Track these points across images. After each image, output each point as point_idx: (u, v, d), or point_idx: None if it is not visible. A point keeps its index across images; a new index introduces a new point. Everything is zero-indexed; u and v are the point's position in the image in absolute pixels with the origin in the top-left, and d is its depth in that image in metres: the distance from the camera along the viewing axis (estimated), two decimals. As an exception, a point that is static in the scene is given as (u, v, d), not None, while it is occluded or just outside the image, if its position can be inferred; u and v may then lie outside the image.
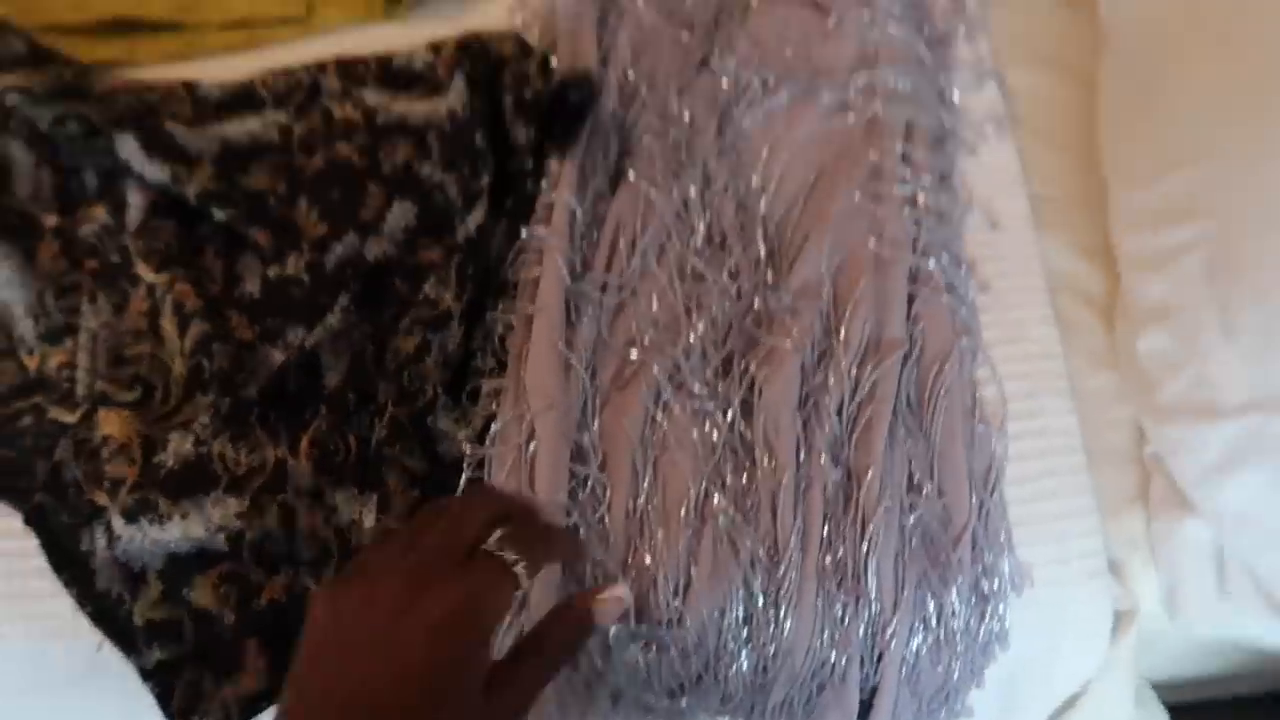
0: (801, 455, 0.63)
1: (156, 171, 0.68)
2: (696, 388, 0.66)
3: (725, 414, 0.65)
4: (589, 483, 0.62)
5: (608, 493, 0.62)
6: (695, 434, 0.65)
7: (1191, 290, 0.62)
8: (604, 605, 0.46)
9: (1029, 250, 0.74)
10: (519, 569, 0.41)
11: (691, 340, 0.67)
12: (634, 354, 0.67)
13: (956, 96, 0.79)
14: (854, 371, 0.65)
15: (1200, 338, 0.61)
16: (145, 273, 0.67)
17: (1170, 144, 0.66)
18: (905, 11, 0.78)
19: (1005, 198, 0.76)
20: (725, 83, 0.76)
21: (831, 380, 0.65)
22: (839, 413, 0.64)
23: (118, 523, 0.60)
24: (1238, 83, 0.61)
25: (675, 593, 0.60)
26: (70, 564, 0.61)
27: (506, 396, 0.64)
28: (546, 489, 0.60)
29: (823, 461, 0.63)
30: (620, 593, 0.47)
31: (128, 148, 0.68)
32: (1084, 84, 0.80)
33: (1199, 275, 0.62)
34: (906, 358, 0.66)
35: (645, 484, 0.63)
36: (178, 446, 0.62)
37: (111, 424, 0.62)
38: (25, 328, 0.67)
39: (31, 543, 0.62)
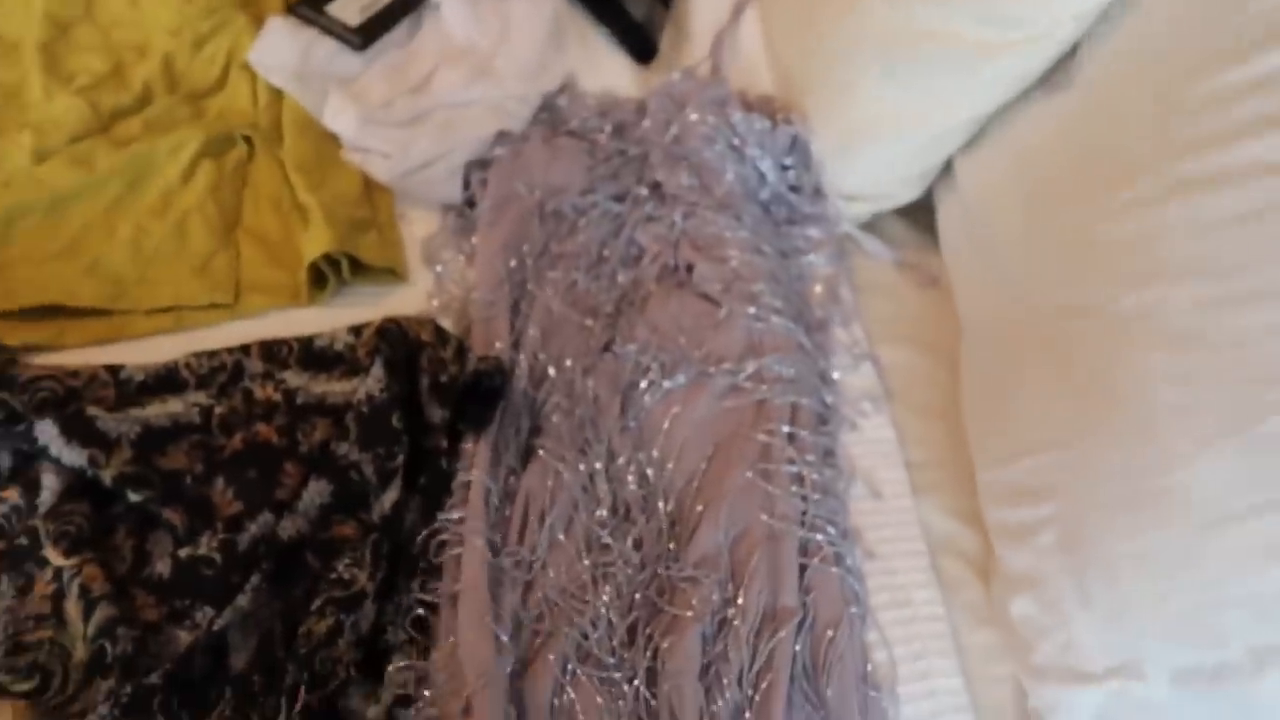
0: (705, 725, 0.65)
1: (74, 456, 0.70)
2: (604, 657, 0.68)
3: (631, 682, 0.67)
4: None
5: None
6: (602, 702, 0.66)
7: (1049, 563, 0.68)
8: None
9: (908, 516, 0.80)
10: None
11: (600, 610, 0.70)
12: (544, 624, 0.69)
13: (836, 377, 0.87)
14: (752, 640, 0.68)
15: (1062, 606, 0.67)
16: (54, 556, 0.67)
17: (1020, 433, 0.74)
18: (786, 303, 0.88)
19: (885, 468, 0.83)
20: (627, 366, 0.83)
21: (731, 649, 0.68)
22: (739, 681, 0.67)
23: (-1, 827, 0.57)
24: (1071, 389, 0.70)
25: None
26: None
27: (432, 675, 0.65)
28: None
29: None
30: None
31: (47, 433, 0.70)
32: (950, 360, 0.89)
33: (1054, 550, 0.68)
34: (800, 626, 0.70)
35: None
36: (71, 739, 0.61)
37: (6, 715, 0.61)
38: (-80, 614, 0.66)
39: None
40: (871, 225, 1.01)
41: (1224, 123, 0.66)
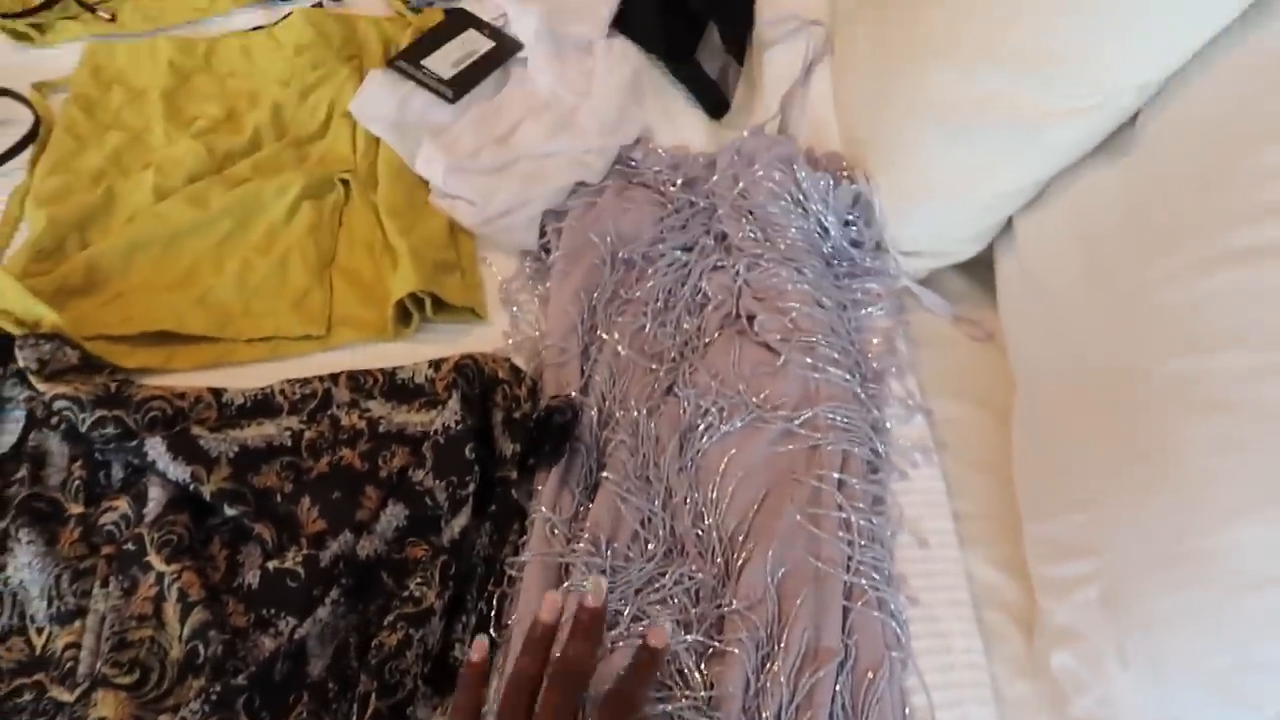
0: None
1: (179, 471, 0.77)
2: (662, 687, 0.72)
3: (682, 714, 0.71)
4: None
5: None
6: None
7: (1090, 619, 0.70)
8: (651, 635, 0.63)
9: (954, 566, 0.83)
10: None
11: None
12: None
13: (889, 427, 0.90)
14: (793, 678, 0.71)
15: (1102, 663, 0.69)
16: (156, 562, 0.74)
17: (1068, 488, 0.76)
18: (843, 354, 0.91)
19: (932, 518, 0.85)
20: (688, 409, 0.87)
21: (771, 685, 0.71)
22: (778, 716, 0.70)
23: (101, 804, 0.63)
24: (1120, 449, 0.72)
25: None
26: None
27: (493, 695, 0.70)
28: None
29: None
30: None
31: (155, 450, 0.77)
32: (1002, 415, 0.91)
33: (1095, 606, 0.70)
34: (841, 666, 0.73)
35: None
36: (165, 730, 0.67)
37: (108, 705, 0.67)
38: (38, 608, 0.73)
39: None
40: (930, 280, 1.04)
41: (1269, 197, 0.68)
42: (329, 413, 0.86)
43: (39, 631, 0.72)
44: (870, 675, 0.72)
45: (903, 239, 1.01)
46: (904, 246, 1.02)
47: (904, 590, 0.80)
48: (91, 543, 0.76)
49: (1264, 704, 0.62)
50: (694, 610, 0.77)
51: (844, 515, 0.80)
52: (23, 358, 0.81)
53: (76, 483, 0.79)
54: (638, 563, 0.79)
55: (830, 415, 0.86)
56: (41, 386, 0.79)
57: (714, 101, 1.17)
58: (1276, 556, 0.62)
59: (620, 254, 1.00)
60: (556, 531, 0.79)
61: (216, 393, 0.85)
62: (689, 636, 0.74)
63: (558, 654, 0.63)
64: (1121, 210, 0.83)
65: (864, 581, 0.77)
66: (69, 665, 0.70)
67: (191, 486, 0.77)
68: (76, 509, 0.78)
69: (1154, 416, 0.71)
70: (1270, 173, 0.69)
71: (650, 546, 0.80)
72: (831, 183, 1.01)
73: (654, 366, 0.92)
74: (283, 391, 0.87)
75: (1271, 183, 0.68)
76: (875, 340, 0.97)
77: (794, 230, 0.99)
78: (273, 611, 0.73)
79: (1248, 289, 0.68)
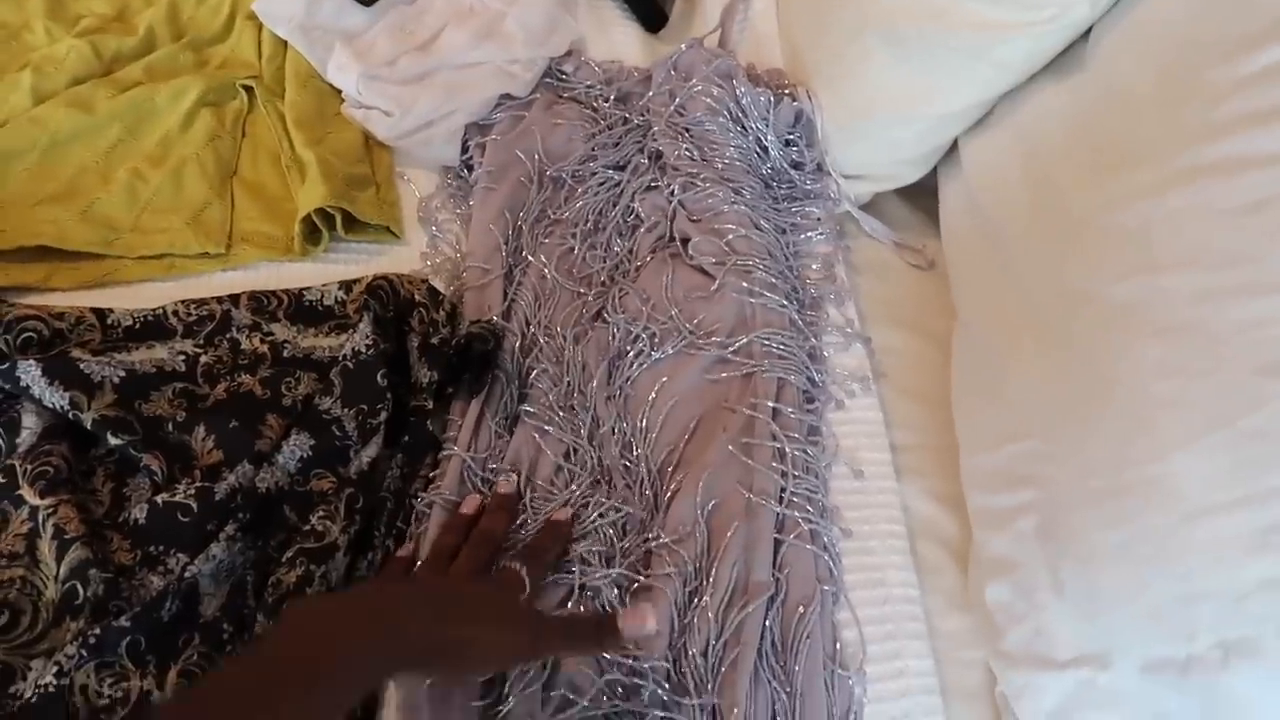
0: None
1: (56, 397, 0.70)
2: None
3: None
4: None
5: None
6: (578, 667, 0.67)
7: (1027, 550, 0.68)
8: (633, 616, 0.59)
9: (889, 498, 0.80)
10: (522, 571, 0.64)
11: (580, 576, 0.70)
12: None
13: (827, 355, 0.87)
14: (721, 613, 0.68)
15: (1036, 594, 0.67)
16: (30, 496, 0.67)
17: (1008, 419, 0.73)
18: (781, 279, 0.87)
19: (869, 449, 0.82)
20: (617, 335, 0.82)
21: (699, 620, 0.68)
22: (705, 653, 0.67)
23: (-37, 758, 0.58)
24: (1064, 377, 0.70)
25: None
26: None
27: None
28: None
29: (688, 701, 0.65)
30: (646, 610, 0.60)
31: (29, 374, 0.70)
32: (942, 344, 0.89)
33: (1032, 537, 0.68)
34: (772, 601, 0.70)
35: None
36: (38, 676, 0.61)
37: (-29, 651, 0.61)
38: (-104, 546, 0.66)
39: None
40: (872, 205, 1.00)
41: (1230, 113, 0.65)
42: (228, 336, 0.79)
43: (-104, 572, 0.65)
44: (801, 610, 0.69)
45: (845, 161, 0.97)
46: (846, 169, 0.97)
47: (838, 523, 0.77)
48: (-43, 476, 0.69)
49: (1197, 634, 0.61)
50: (620, 544, 0.73)
51: (778, 445, 0.76)
52: (-124, 271, 0.73)
53: (-61, 411, 0.72)
54: (561, 495, 0.74)
55: (766, 342, 0.82)
56: (-103, 303, 0.71)
57: (651, 13, 1.11)
58: (1220, 485, 0.60)
59: (548, 172, 0.94)
60: (470, 471, 0.74)
61: (100, 313, 0.78)
62: (613, 570, 0.70)
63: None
64: (1070, 131, 0.80)
65: (797, 514, 0.73)
66: (-71, 607, 0.63)
67: (70, 414, 0.70)
68: (-60, 439, 0.71)
69: (1098, 343, 0.68)
70: (1227, 88, 0.65)
71: (574, 480, 0.76)
72: (772, 100, 0.96)
73: (582, 290, 0.87)
74: (176, 313, 0.79)
75: (1229, 98, 0.65)
76: (814, 266, 0.93)
77: (732, 149, 0.94)
78: (162, 548, 0.67)
79: (1199, 209, 0.65)
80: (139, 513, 0.69)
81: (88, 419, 0.70)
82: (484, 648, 0.56)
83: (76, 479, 0.70)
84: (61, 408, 0.70)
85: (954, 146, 0.94)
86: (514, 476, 0.73)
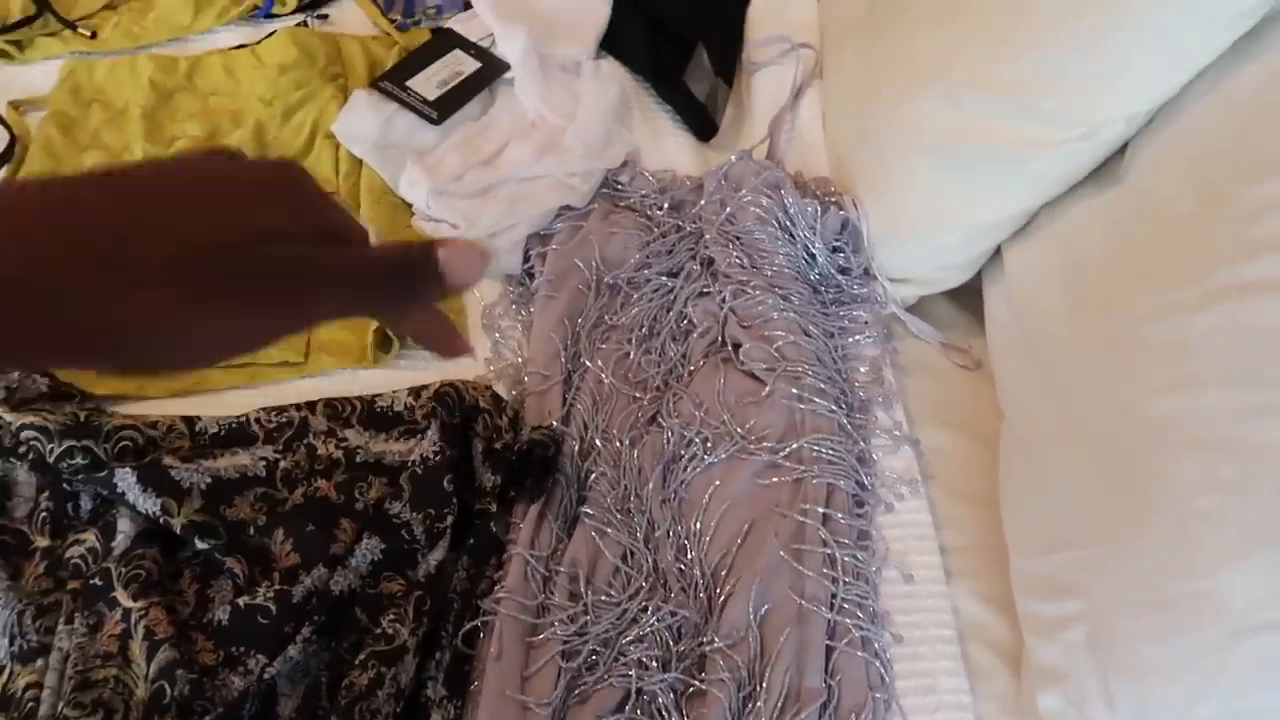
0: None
1: (149, 503, 0.75)
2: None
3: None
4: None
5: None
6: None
7: (1076, 659, 0.69)
8: (456, 252, 0.36)
9: (940, 602, 0.81)
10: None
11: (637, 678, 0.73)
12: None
13: (876, 459, 0.89)
14: (775, 719, 0.70)
15: (1087, 705, 0.67)
16: (123, 598, 0.72)
17: (1052, 526, 0.75)
18: (830, 384, 0.90)
19: (919, 552, 0.84)
20: (672, 439, 0.85)
21: (754, 728, 0.69)
22: (761, 761, 0.69)
23: None
24: (1105, 487, 0.71)
25: None
26: None
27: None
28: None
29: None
30: (483, 246, 0.38)
31: (125, 481, 0.75)
32: (990, 444, 0.90)
33: (1082, 647, 0.68)
34: (824, 708, 0.71)
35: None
36: (129, 774, 0.65)
37: (68, 750, 0.65)
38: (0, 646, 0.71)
39: None
40: (918, 306, 1.03)
41: (1262, 234, 0.67)
42: (305, 441, 0.84)
43: (0, 670, 0.70)
44: (854, 717, 0.71)
45: (891, 266, 1.00)
46: (892, 273, 1.01)
47: (889, 627, 0.78)
48: (57, 577, 0.75)
49: (1253, 751, 0.61)
50: (675, 648, 0.75)
51: (828, 551, 0.79)
52: (-10, 386, 0.79)
53: (44, 514, 0.77)
54: (618, 599, 0.77)
55: (815, 448, 0.84)
56: (8, 416, 0.77)
57: (702, 124, 1.16)
58: (1264, 603, 0.61)
59: (605, 279, 0.99)
60: (534, 571, 0.77)
61: (189, 421, 0.83)
62: (669, 675, 0.73)
63: None
64: (1108, 243, 0.82)
65: (848, 620, 0.75)
66: (29, 706, 0.68)
67: (162, 519, 0.75)
68: (43, 541, 0.76)
69: (1140, 455, 0.70)
70: (1262, 207, 0.68)
71: (631, 582, 0.78)
72: (819, 208, 1.00)
73: (638, 395, 0.90)
74: (258, 420, 0.85)
75: (1263, 218, 0.67)
76: (862, 369, 0.95)
77: (781, 256, 0.98)
78: (243, 649, 0.71)
79: (1236, 327, 0.66)
80: (222, 614, 0.74)
81: (177, 524, 0.75)
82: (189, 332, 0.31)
83: (166, 581, 0.74)
84: (153, 513, 0.75)
85: (998, 251, 0.97)
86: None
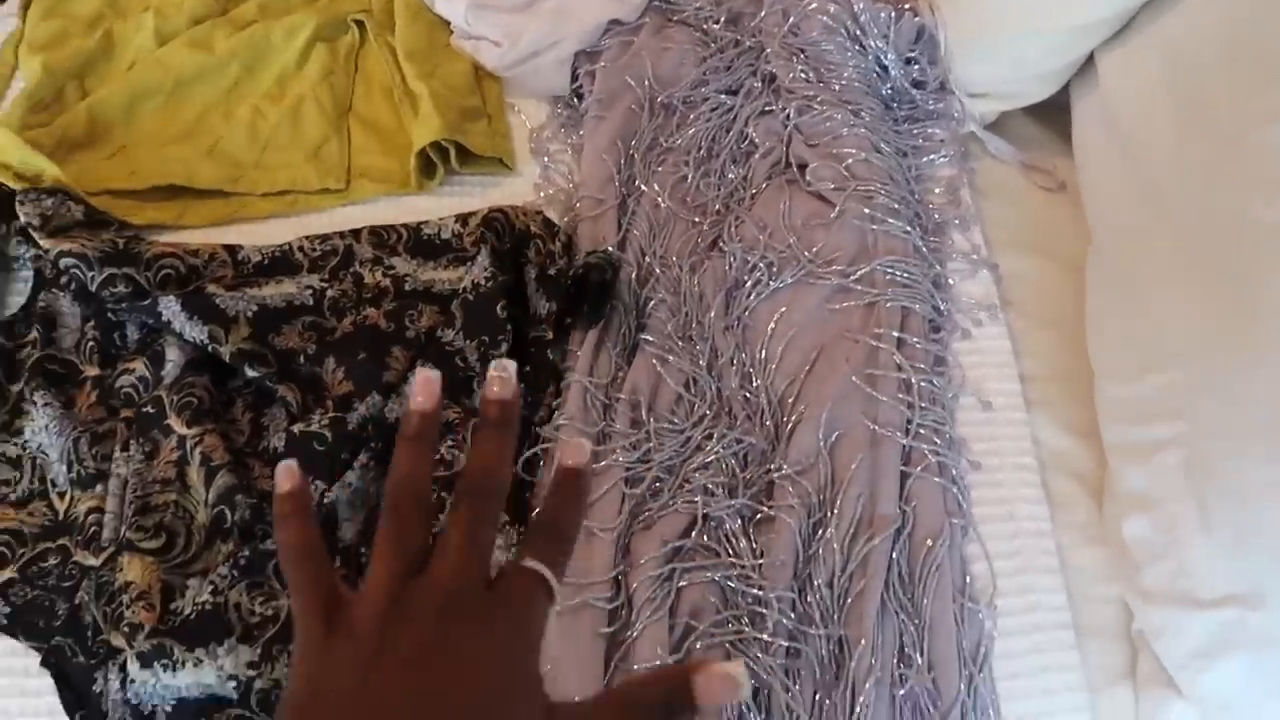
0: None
1: (196, 331, 0.72)
2: (709, 551, 0.69)
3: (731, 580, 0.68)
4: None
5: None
6: (702, 596, 0.67)
7: (1170, 485, 0.65)
8: (712, 681, 0.34)
9: (1019, 430, 0.78)
10: (549, 575, 0.34)
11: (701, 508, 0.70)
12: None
13: (952, 283, 0.84)
14: (846, 545, 0.68)
15: (1179, 530, 0.64)
16: (177, 425, 0.70)
17: (1151, 348, 0.70)
18: (903, 205, 0.84)
19: (997, 379, 0.80)
20: (733, 264, 0.81)
21: (822, 553, 0.67)
22: (830, 584, 0.67)
23: (133, 667, 0.61)
24: (1215, 305, 0.66)
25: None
26: (83, 705, 0.62)
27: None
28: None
29: (814, 631, 0.65)
30: (735, 671, 0.34)
31: (170, 309, 0.72)
32: (1072, 268, 0.85)
33: (1177, 472, 0.65)
34: (898, 534, 0.69)
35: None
36: (195, 594, 0.64)
37: (134, 570, 0.64)
38: (58, 472, 0.70)
39: (46, 681, 0.63)
40: (998, 125, 0.95)
41: None
42: (351, 270, 0.81)
43: (61, 496, 0.70)
44: (929, 543, 0.68)
45: (969, 79, 0.92)
46: (971, 87, 0.93)
47: (966, 455, 0.75)
48: (109, 405, 0.73)
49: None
50: (742, 475, 0.72)
51: (903, 376, 0.75)
52: (24, 213, 0.76)
53: (90, 344, 0.75)
54: (681, 425, 0.74)
55: (889, 270, 0.79)
56: (45, 243, 0.74)
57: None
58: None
59: (659, 98, 0.93)
60: (594, 398, 0.74)
61: (231, 249, 0.80)
62: (737, 501, 0.70)
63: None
64: (1224, 42, 0.74)
65: (924, 446, 0.72)
66: (93, 530, 0.67)
67: (210, 347, 0.73)
68: (92, 371, 0.74)
69: (1251, 271, 0.64)
70: None
71: (695, 409, 0.75)
72: (893, 16, 0.92)
73: (697, 219, 0.85)
74: (301, 248, 0.81)
75: None
76: (937, 190, 0.89)
77: (850, 69, 0.91)
78: (300, 476, 0.70)
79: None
80: (277, 441, 0.72)
81: (226, 352, 0.72)
82: None
83: (218, 409, 0.72)
84: (201, 341, 0.73)
85: (1089, 60, 0.88)
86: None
